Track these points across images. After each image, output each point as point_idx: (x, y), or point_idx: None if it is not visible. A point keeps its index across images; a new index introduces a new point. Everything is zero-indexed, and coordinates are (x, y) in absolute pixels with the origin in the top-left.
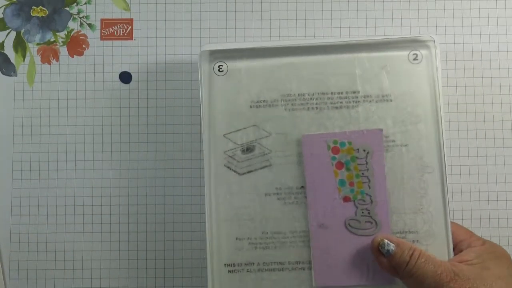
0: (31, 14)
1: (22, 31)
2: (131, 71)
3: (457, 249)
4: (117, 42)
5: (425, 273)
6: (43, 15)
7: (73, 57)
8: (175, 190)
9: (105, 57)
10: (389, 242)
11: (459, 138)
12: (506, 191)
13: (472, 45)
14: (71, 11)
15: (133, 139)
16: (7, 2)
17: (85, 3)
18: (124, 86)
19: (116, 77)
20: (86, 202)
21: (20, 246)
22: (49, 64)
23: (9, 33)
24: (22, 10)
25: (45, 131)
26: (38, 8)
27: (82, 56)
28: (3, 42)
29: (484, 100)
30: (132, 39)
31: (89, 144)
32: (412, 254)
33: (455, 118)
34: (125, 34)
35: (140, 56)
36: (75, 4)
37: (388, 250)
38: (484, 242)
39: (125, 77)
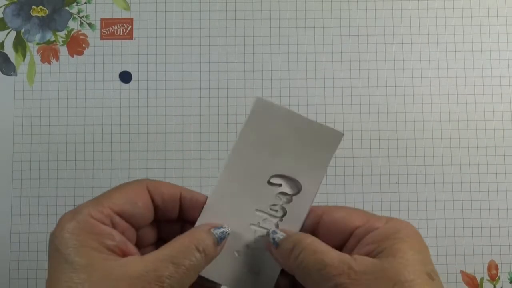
0: (31, 13)
1: (22, 30)
2: (131, 71)
3: (354, 239)
4: (117, 42)
5: (309, 265)
6: (43, 15)
7: (73, 56)
8: None
9: (105, 56)
10: (276, 230)
11: (459, 138)
12: (506, 191)
13: (472, 45)
14: (71, 11)
15: (133, 139)
16: (7, 2)
17: (85, 3)
18: (124, 86)
19: (116, 77)
20: None
21: (20, 246)
22: (49, 63)
23: (9, 32)
24: (22, 10)
25: (45, 131)
26: (38, 7)
27: (82, 56)
28: (3, 41)
29: (484, 100)
30: (132, 39)
31: (89, 144)
32: (296, 243)
33: (455, 118)
34: (125, 34)
35: (140, 56)
36: (75, 3)
37: (274, 239)
38: (388, 221)
39: (125, 77)
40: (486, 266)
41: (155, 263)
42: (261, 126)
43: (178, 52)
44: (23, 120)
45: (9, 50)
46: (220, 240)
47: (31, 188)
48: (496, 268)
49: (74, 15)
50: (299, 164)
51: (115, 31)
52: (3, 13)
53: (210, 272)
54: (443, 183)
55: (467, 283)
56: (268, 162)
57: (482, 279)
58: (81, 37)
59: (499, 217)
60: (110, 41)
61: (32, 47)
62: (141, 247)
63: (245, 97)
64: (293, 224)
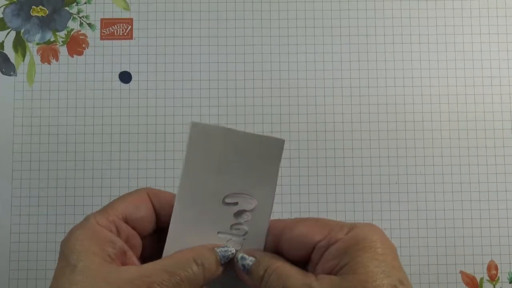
0: (31, 13)
1: (22, 30)
2: (131, 71)
3: (317, 254)
4: (117, 42)
5: None
6: (43, 15)
7: (73, 57)
8: (175, 190)
9: (105, 57)
10: (244, 256)
11: (459, 138)
12: (506, 191)
13: (472, 45)
14: (71, 11)
15: (133, 139)
16: (7, 2)
17: (85, 3)
18: (124, 86)
19: (116, 77)
20: (86, 202)
21: (20, 246)
22: (49, 64)
23: (9, 32)
24: (22, 10)
25: (45, 131)
26: (38, 7)
27: (82, 56)
28: (3, 41)
29: (484, 100)
30: (132, 39)
31: (89, 144)
32: (267, 268)
33: (455, 118)
34: (125, 34)
35: (140, 56)
36: (75, 3)
37: (244, 266)
38: (350, 229)
39: (125, 77)
40: (486, 266)
41: (150, 270)
42: (203, 149)
43: (178, 52)
44: (23, 120)
45: (9, 50)
46: (223, 259)
47: (31, 188)
48: (496, 268)
49: (74, 15)
50: (249, 179)
51: (115, 31)
52: (3, 13)
53: None
54: (443, 183)
55: (467, 283)
56: (219, 183)
57: (482, 279)
58: (81, 37)
59: (499, 217)
60: (110, 41)
61: (32, 47)
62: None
63: (245, 97)
64: (256, 240)
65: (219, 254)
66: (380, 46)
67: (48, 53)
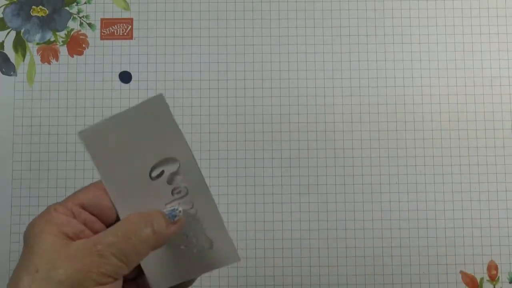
0: (31, 13)
1: (22, 30)
2: (131, 71)
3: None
4: (117, 42)
5: None
6: (43, 15)
7: (73, 56)
8: None
9: (105, 57)
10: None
11: (459, 138)
12: (506, 191)
13: (472, 45)
14: (71, 11)
15: None
16: (7, 2)
17: (85, 3)
18: (124, 86)
19: (116, 77)
20: None
21: (20, 246)
22: (49, 64)
23: (9, 32)
24: (22, 10)
25: (45, 131)
26: (38, 7)
27: (82, 56)
28: (3, 41)
29: (484, 100)
30: (132, 39)
31: None
32: None
33: (455, 118)
34: (125, 34)
35: (140, 56)
36: (75, 3)
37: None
38: None
39: (125, 77)
40: (486, 266)
41: (100, 237)
42: (103, 148)
43: (178, 52)
44: (23, 120)
45: (9, 50)
46: (171, 217)
47: (31, 188)
48: (496, 268)
49: (74, 15)
50: (158, 146)
51: (115, 31)
52: (3, 13)
53: (178, 276)
54: (443, 183)
55: (467, 283)
56: (136, 165)
57: (482, 279)
58: (81, 37)
59: (499, 217)
60: (110, 41)
61: (32, 47)
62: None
63: (245, 97)
64: (199, 190)
65: (166, 213)
66: (380, 46)
67: (48, 53)
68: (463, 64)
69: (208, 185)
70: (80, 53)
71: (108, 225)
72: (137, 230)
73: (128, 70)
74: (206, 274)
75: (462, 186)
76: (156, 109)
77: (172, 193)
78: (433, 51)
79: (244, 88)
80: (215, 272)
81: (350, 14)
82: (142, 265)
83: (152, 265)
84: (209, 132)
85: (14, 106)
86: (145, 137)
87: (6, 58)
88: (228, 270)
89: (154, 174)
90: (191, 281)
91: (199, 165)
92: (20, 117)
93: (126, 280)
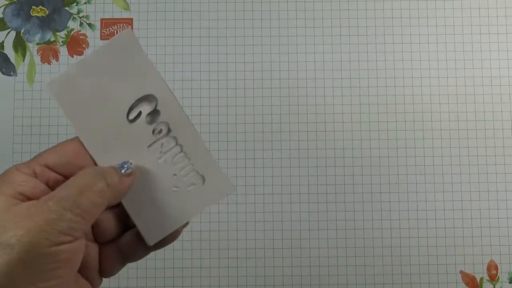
0: (31, 13)
1: (22, 30)
2: None
3: None
4: None
5: None
6: (43, 15)
7: (73, 56)
8: None
9: None
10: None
11: (459, 138)
12: (506, 191)
13: (472, 45)
14: (71, 11)
15: None
16: (7, 2)
17: (85, 3)
18: None
19: None
20: None
21: None
22: (49, 64)
23: (9, 32)
24: (22, 10)
25: (45, 131)
26: (38, 7)
27: (82, 56)
28: (3, 42)
29: (484, 100)
30: None
31: None
32: None
33: (455, 118)
34: None
35: None
36: (75, 3)
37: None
38: None
39: None
40: (486, 266)
41: (51, 193)
42: (73, 96)
43: (178, 52)
44: (23, 120)
45: (9, 50)
46: (123, 169)
47: None
48: (496, 268)
49: (74, 15)
50: (132, 84)
51: (115, 31)
52: (3, 13)
53: (174, 221)
54: (443, 183)
55: (467, 283)
56: (111, 110)
57: (482, 279)
58: (81, 37)
59: (499, 217)
60: None
61: (32, 47)
62: (102, 239)
63: (245, 97)
64: (182, 126)
65: (117, 167)
66: (380, 46)
67: (48, 53)
68: (463, 64)
69: (190, 118)
70: (80, 53)
71: None
72: (91, 183)
73: None
74: (206, 274)
75: (462, 186)
76: (125, 46)
77: (153, 133)
78: (433, 51)
79: (244, 88)
80: (215, 272)
81: (350, 14)
82: (132, 218)
83: (145, 215)
84: (209, 132)
85: (14, 106)
86: (117, 77)
87: (6, 58)
88: (228, 270)
89: (131, 116)
90: (179, 231)
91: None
92: (20, 117)
93: (104, 243)
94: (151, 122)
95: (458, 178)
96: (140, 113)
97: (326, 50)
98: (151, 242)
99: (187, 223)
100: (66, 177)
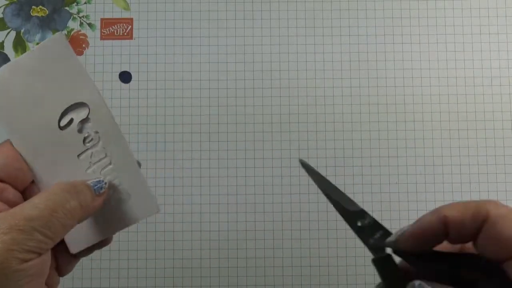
0: (31, 13)
1: (22, 30)
2: (131, 71)
3: None
4: (117, 42)
5: None
6: (43, 15)
7: None
8: (175, 190)
9: (105, 56)
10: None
11: (459, 138)
12: (506, 191)
13: (472, 45)
14: (71, 11)
15: (133, 139)
16: (7, 2)
17: (85, 3)
18: (124, 86)
19: (116, 77)
20: None
21: None
22: None
23: (9, 32)
24: (22, 10)
25: None
26: (38, 7)
27: (82, 56)
28: (3, 41)
29: (484, 100)
30: (132, 39)
31: None
32: None
33: (455, 118)
34: (125, 34)
35: (140, 56)
36: (75, 3)
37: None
38: None
39: (125, 77)
40: None
41: (18, 210)
42: (7, 98)
43: (178, 52)
44: None
45: (9, 50)
46: (97, 190)
47: None
48: None
49: (74, 15)
50: (66, 91)
51: (115, 31)
52: (3, 13)
53: (98, 234)
54: (443, 183)
55: None
56: (44, 113)
57: None
58: (81, 37)
59: None
60: (110, 41)
61: (32, 47)
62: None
63: (245, 97)
64: (112, 137)
65: (92, 185)
66: (380, 46)
67: None
68: (463, 64)
69: (122, 132)
70: (80, 53)
71: (23, 189)
72: (63, 202)
73: (128, 70)
74: (206, 274)
75: (462, 186)
76: (57, 51)
77: (84, 142)
78: (433, 51)
79: (244, 88)
80: (215, 272)
81: (350, 14)
82: None
83: None
84: (209, 132)
85: None
86: (49, 82)
87: (6, 58)
88: (228, 270)
89: (63, 123)
90: (109, 239)
91: (207, 166)
92: None
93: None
94: (82, 130)
95: (458, 178)
96: (71, 120)
97: (326, 50)
98: (74, 250)
99: (111, 238)
100: (6, 182)
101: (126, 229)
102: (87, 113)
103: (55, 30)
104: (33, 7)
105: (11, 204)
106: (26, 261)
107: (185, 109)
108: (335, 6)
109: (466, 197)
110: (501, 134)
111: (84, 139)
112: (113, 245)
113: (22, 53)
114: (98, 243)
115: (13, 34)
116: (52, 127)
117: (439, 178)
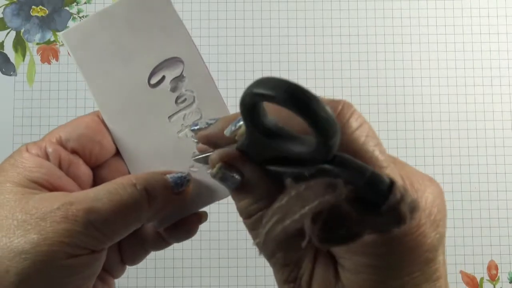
0: (31, 13)
1: (22, 30)
2: None
3: None
4: None
5: None
6: (43, 15)
7: None
8: None
9: None
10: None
11: (459, 138)
12: (506, 191)
13: (472, 45)
14: (70, 11)
15: None
16: (7, 2)
17: (85, 3)
18: None
19: None
20: None
21: None
22: (49, 63)
23: (9, 32)
24: (22, 10)
25: (45, 131)
26: (38, 7)
27: None
28: (3, 41)
29: (484, 100)
30: None
31: None
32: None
33: (455, 118)
34: None
35: None
36: (75, 3)
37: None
38: None
39: None
40: (486, 266)
41: (77, 197)
42: (93, 52)
43: None
44: (23, 120)
45: (9, 50)
46: (176, 187)
47: None
48: (496, 268)
49: (74, 15)
50: (158, 44)
51: None
52: (3, 13)
53: (192, 205)
54: (443, 183)
55: (467, 283)
56: (132, 69)
57: (482, 279)
58: None
59: (499, 217)
60: None
61: (32, 47)
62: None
63: None
64: (210, 97)
65: (171, 180)
66: (380, 46)
67: (48, 53)
68: (463, 64)
69: (219, 90)
70: None
71: (95, 167)
72: (131, 202)
73: None
74: (206, 274)
75: (462, 186)
76: (153, 0)
77: (176, 102)
78: (433, 51)
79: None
80: (215, 272)
81: (350, 14)
82: None
83: None
84: None
85: (14, 106)
86: (141, 34)
87: (6, 58)
88: (228, 270)
89: (153, 80)
90: (201, 219)
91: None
92: (20, 117)
93: None
94: (175, 89)
95: (458, 178)
96: (163, 78)
97: (326, 50)
98: (159, 226)
99: (205, 217)
100: (80, 154)
101: None
102: (181, 70)
103: (55, 30)
104: (33, 7)
105: (78, 182)
106: (75, 256)
107: None
108: (335, 6)
109: (466, 197)
110: (501, 134)
111: (177, 98)
112: None
113: (22, 53)
114: (186, 229)
115: (13, 34)
116: (141, 85)
117: (439, 178)
